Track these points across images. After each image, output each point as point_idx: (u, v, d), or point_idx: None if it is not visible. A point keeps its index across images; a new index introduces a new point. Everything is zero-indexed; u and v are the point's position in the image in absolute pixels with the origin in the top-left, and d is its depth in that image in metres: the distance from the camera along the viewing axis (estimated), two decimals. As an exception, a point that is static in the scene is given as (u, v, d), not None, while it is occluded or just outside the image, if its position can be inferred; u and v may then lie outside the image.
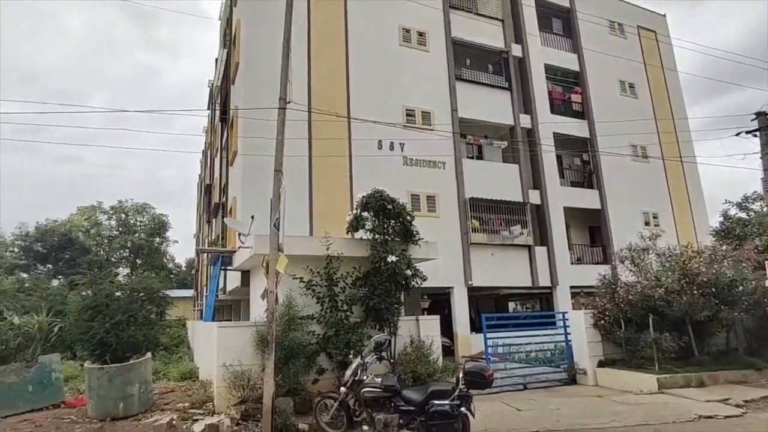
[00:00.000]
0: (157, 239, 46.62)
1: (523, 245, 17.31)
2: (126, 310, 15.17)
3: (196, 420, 7.69)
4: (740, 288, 11.01)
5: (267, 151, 9.50)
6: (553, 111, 19.74)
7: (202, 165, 34.68)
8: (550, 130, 19.02)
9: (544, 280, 17.40)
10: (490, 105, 18.29)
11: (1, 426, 7.85)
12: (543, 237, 18.08)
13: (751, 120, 14.52)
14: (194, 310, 29.28)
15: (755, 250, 12.61)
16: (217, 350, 8.23)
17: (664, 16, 24.75)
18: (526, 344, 11.81)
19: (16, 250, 37.65)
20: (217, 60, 24.12)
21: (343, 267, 9.39)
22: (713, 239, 16.18)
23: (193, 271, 37.48)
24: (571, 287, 17.68)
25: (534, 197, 18.14)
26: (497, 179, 17.68)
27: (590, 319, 11.24)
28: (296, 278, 8.99)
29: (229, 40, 18.81)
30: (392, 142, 15.85)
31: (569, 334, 11.50)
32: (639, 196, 20.46)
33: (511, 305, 21.46)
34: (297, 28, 11.78)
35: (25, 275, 32.09)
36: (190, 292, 35.98)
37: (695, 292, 10.29)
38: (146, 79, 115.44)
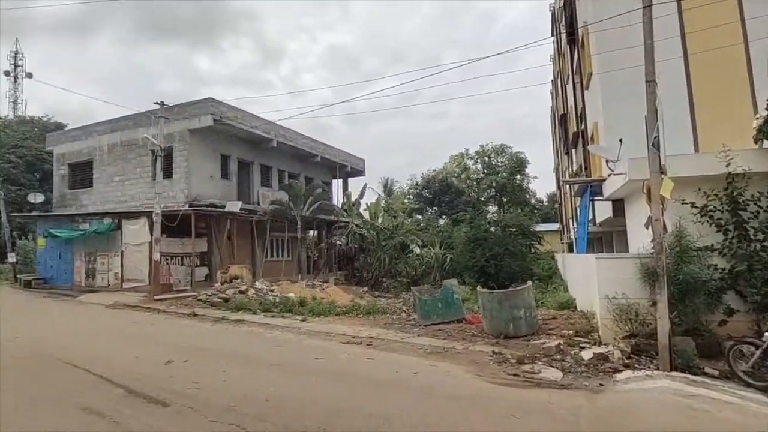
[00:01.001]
0: (518, 177, 49.14)
1: None
2: (501, 243, 16.74)
3: (583, 347, 7.71)
4: None
5: (627, 64, 8.23)
6: None
7: (552, 96, 33.93)
8: None
9: None
10: None
11: (423, 331, 9.92)
12: None
13: None
14: (561, 243, 29.67)
15: None
16: (598, 282, 7.91)
17: None
18: None
19: (411, 197, 46.93)
20: (558, -20, 22.58)
21: (753, 186, 7.41)
22: None
23: (556, 205, 37.93)
24: None
25: None
26: None
27: None
28: (686, 203, 7.64)
29: (569, -48, 17.15)
30: (821, 7, 11.25)
31: None
32: None
33: None
34: None
35: (419, 217, 39.61)
36: (554, 226, 36.68)
37: None
38: (487, 26, 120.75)
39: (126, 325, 11.84)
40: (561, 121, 24.47)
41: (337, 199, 29.82)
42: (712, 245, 7.43)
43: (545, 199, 54.33)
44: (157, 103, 17.94)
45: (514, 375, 6.69)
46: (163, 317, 13.12)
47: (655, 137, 6.95)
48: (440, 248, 21.01)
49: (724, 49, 11.65)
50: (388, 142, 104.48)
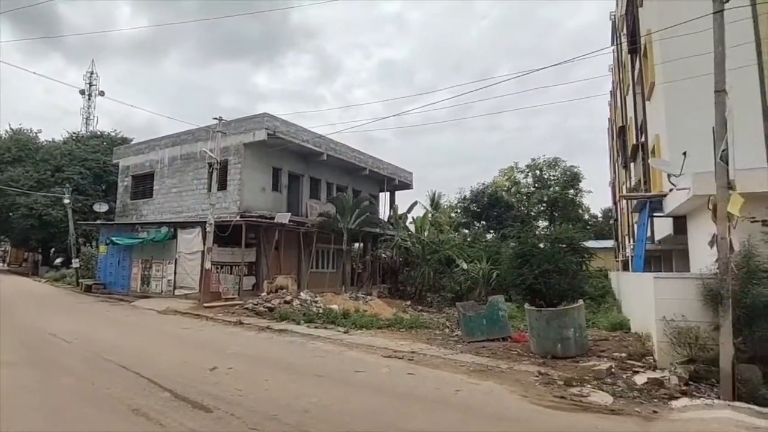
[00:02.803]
0: (571, 191, 47.50)
1: None
2: (550, 260, 16.12)
3: (636, 372, 7.29)
4: None
5: (693, 74, 7.73)
6: None
7: (611, 107, 32.80)
8: None
9: None
10: None
11: (467, 348, 9.65)
12: None
13: None
14: (616, 261, 28.39)
15: None
16: (655, 303, 7.47)
17: None
18: None
19: (458, 210, 46.32)
20: (616, -11, 21.91)
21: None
22: None
23: (611, 221, 36.39)
24: None
25: None
26: None
27: None
28: (756, 221, 7.12)
29: (627, -41, 16.63)
30: None
31: None
32: None
33: None
34: None
35: (466, 231, 38.96)
36: (608, 243, 35.17)
37: None
38: (545, 35, 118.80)
39: (176, 331, 12.26)
40: (619, 133, 23.59)
41: (385, 212, 29.90)
42: (785, 267, 6.82)
43: (600, 215, 52.27)
44: (215, 118, 18.77)
45: (561, 397, 6.38)
46: (210, 324, 13.51)
47: (723, 150, 6.51)
48: (487, 263, 20.55)
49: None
50: (441, 155, 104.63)
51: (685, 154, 9.37)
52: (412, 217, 27.74)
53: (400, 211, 28.20)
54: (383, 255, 26.81)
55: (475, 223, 44.03)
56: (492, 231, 40.24)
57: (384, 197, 31.34)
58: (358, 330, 12.07)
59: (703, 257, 7.75)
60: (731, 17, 7.90)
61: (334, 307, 14.75)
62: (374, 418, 5.56)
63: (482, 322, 10.38)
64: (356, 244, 27.92)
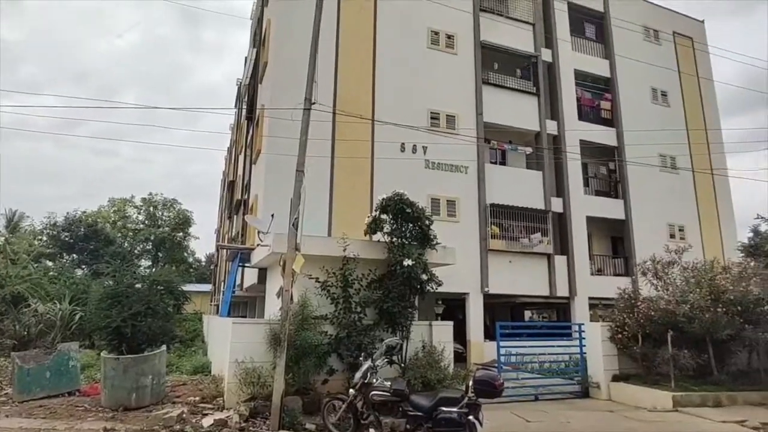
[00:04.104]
0: (180, 234, 47.43)
1: (542, 253, 16.96)
2: (145, 301, 15.40)
3: (206, 414, 7.72)
4: (767, 307, 10.52)
5: (290, 151, 9.36)
6: (580, 118, 19.30)
7: (226, 162, 35.20)
8: (577, 137, 18.61)
9: (562, 290, 17.01)
10: (516, 110, 17.98)
11: (17, 410, 8.00)
12: (563, 246, 17.69)
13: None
14: (211, 305, 29.61)
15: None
16: (230, 346, 8.24)
17: (702, 22, 23.87)
18: (540, 354, 11.57)
19: (44, 238, 38.62)
20: (246, 59, 24.41)
21: (359, 269, 9.33)
22: (741, 255, 15.64)
23: (212, 267, 37.94)
24: (590, 298, 17.24)
25: (556, 205, 17.77)
26: (519, 186, 17.37)
27: (607, 332, 10.87)
28: (312, 278, 8.96)
29: (258, 39, 19.01)
30: (415, 145, 15.73)
31: (584, 346, 11.17)
32: (665, 208, 19.79)
33: (527, 314, 21.06)
34: (326, 28, 11.89)
35: (50, 263, 32.85)
36: (208, 287, 36.44)
37: (719, 309, 9.87)
38: (181, 77, 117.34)
39: None
40: (229, 187, 25.48)
41: None
42: (326, 315, 8.85)
43: (204, 260, 53.85)
44: None
45: (122, 453, 6.10)
46: None
47: (295, 218, 8.07)
48: (70, 303, 17.81)
49: (360, 159, 14.82)
50: (34, 167, 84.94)
51: (273, 215, 11.07)
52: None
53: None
54: None
55: (65, 255, 37.71)
56: (84, 266, 35.31)
57: None
58: None
59: (274, 305, 9.16)
60: (320, 117, 10.13)
61: None
62: None
63: (45, 375, 8.85)
64: None
